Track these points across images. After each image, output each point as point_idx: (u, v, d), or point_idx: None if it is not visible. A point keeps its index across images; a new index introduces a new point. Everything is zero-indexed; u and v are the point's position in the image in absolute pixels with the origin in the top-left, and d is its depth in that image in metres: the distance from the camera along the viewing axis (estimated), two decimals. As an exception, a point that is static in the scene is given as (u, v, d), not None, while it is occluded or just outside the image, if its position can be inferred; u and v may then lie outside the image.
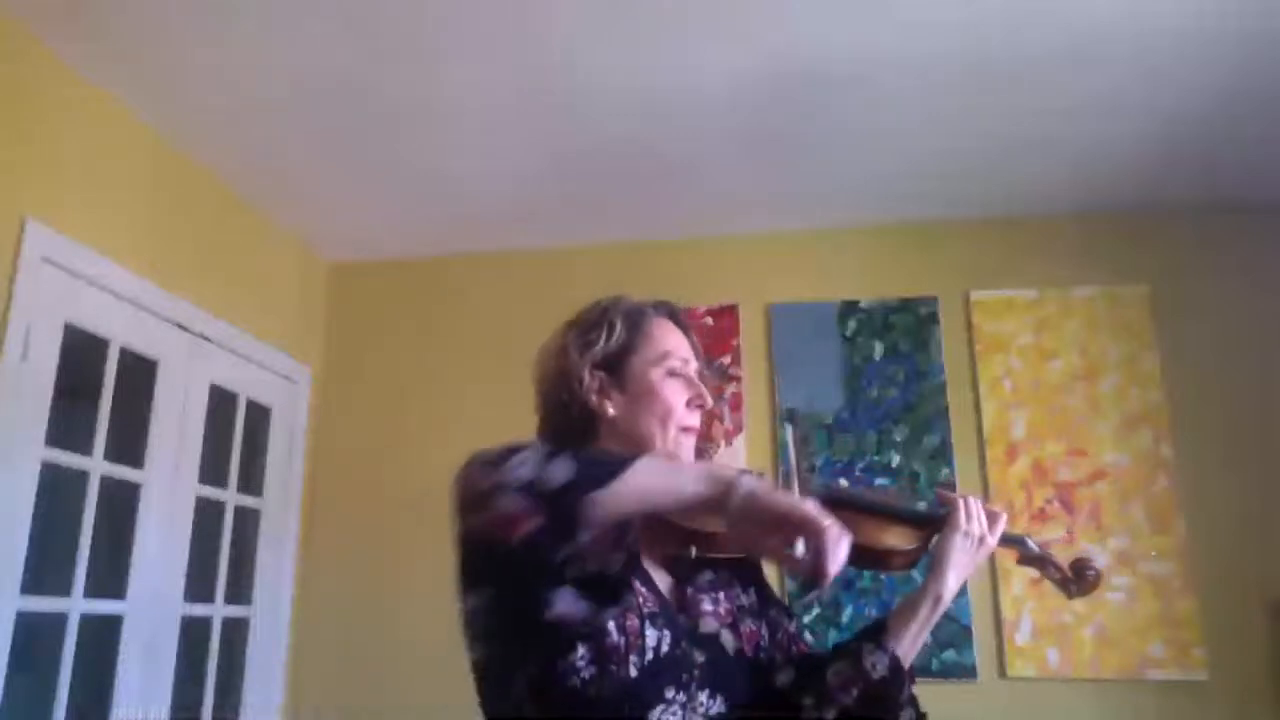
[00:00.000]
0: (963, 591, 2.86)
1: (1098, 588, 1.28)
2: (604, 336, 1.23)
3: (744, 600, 1.21)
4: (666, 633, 1.06)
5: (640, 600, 1.07)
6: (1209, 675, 2.75)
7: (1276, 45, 2.28)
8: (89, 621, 2.33)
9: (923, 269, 3.22)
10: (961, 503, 1.23)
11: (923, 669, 2.85)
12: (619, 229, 3.33)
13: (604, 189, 3.06)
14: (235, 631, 2.98)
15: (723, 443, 3.15)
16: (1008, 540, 1.28)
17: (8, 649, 2.05)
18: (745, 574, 1.25)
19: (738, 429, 3.16)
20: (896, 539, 1.22)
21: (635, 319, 1.26)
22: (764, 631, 1.21)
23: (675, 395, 1.21)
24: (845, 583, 2.93)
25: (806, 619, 2.91)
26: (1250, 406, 2.94)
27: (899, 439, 3.08)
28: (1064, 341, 3.09)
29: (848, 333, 3.20)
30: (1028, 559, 1.32)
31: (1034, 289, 3.15)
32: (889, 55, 2.33)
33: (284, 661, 3.12)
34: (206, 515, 2.82)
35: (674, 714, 1.03)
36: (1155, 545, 2.88)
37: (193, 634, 2.72)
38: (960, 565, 1.21)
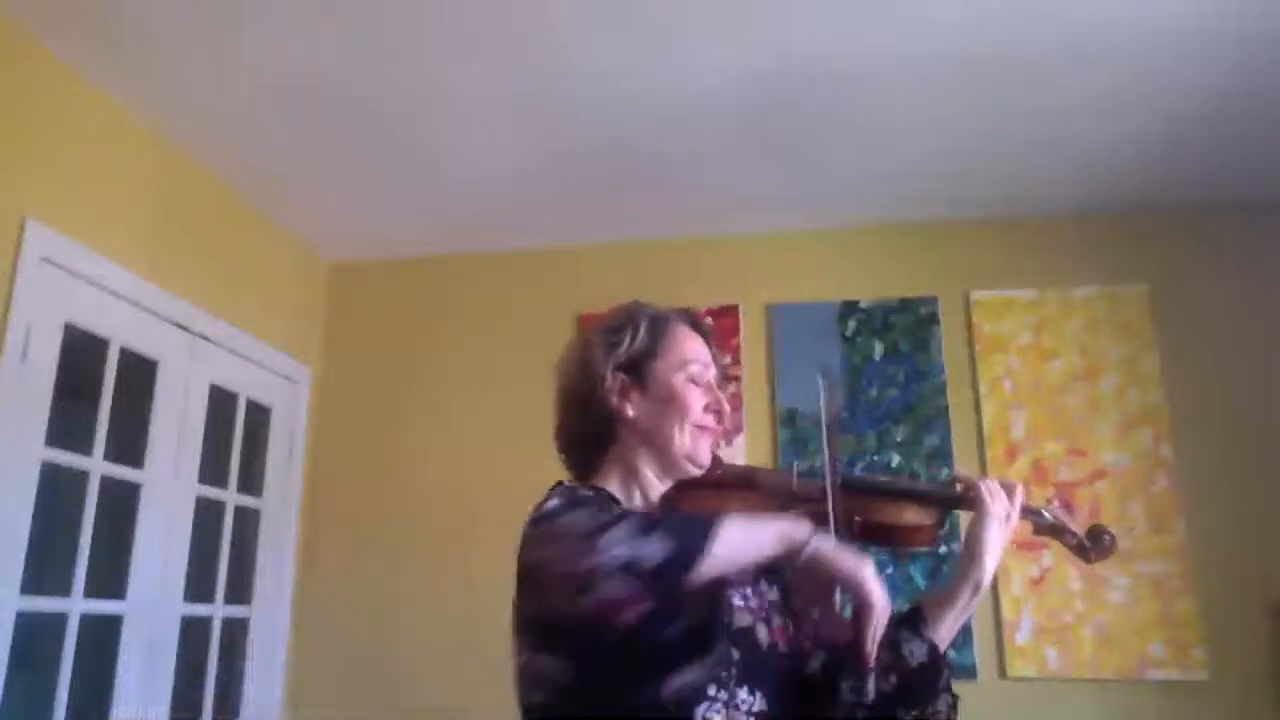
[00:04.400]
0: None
1: (1114, 552, 1.29)
2: (629, 339, 1.26)
3: (772, 595, 1.22)
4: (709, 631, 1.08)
5: None
6: (1209, 675, 2.75)
7: (1276, 45, 2.28)
8: (89, 621, 2.33)
9: (923, 269, 3.22)
10: (984, 486, 1.25)
11: (923, 669, 2.85)
12: (619, 229, 3.33)
13: (604, 189, 3.06)
14: (235, 631, 2.98)
15: (723, 442, 3.15)
16: (1026, 512, 1.30)
17: (8, 649, 2.05)
18: (769, 570, 1.23)
19: (737, 429, 3.16)
20: (917, 516, 1.27)
21: (659, 324, 1.29)
22: (790, 626, 1.22)
23: (694, 399, 1.24)
24: (845, 583, 2.93)
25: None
26: (1250, 406, 2.94)
27: (899, 439, 3.08)
28: (1064, 341, 3.09)
29: (848, 333, 3.20)
30: (1044, 529, 1.32)
31: (1034, 289, 3.15)
32: (889, 55, 2.33)
33: (284, 661, 3.12)
34: (206, 515, 2.82)
35: (717, 712, 1.05)
36: (1155, 545, 2.88)
37: (193, 634, 2.72)
38: (994, 548, 1.22)
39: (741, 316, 3.27)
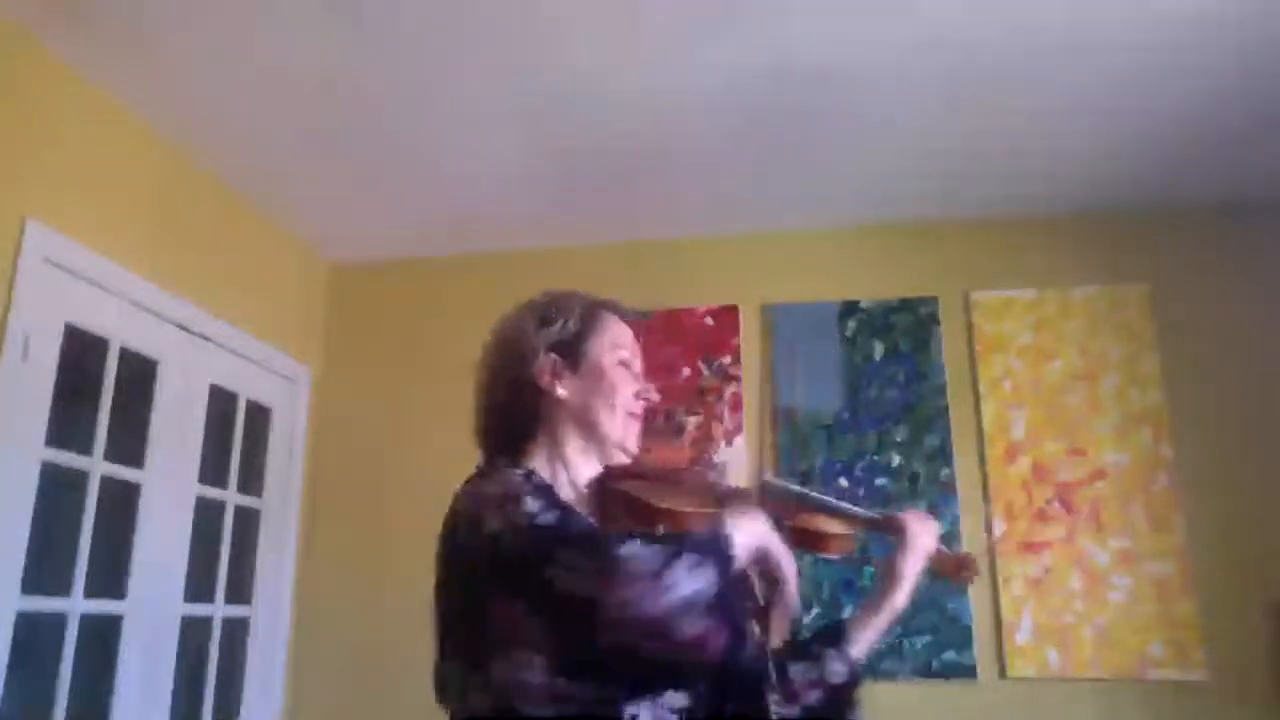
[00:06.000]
0: (963, 591, 2.88)
1: (975, 578, 1.39)
2: (562, 321, 1.28)
3: None
4: None
5: None
6: (1209, 675, 2.75)
7: (1277, 45, 2.29)
8: (89, 621, 2.33)
9: (923, 269, 3.22)
10: (912, 522, 1.32)
11: (923, 669, 2.85)
12: (619, 229, 3.32)
13: (604, 189, 3.06)
14: (235, 631, 2.98)
15: (723, 443, 3.15)
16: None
17: (8, 649, 2.04)
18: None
19: (737, 429, 3.16)
20: (840, 527, 1.31)
21: (591, 309, 1.32)
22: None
23: (624, 383, 1.27)
24: (845, 583, 2.93)
25: (807, 619, 2.91)
26: (1250, 406, 2.94)
27: (899, 439, 3.08)
28: (1064, 341, 3.09)
29: (848, 333, 3.20)
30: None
31: (1034, 289, 3.15)
32: (889, 55, 2.33)
33: (284, 661, 3.12)
34: (206, 515, 2.82)
35: (645, 710, 1.03)
36: (1155, 545, 2.88)
37: (193, 634, 2.72)
38: (914, 578, 1.31)
39: (741, 316, 3.27)
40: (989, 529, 2.96)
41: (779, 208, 3.20)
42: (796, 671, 1.24)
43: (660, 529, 1.19)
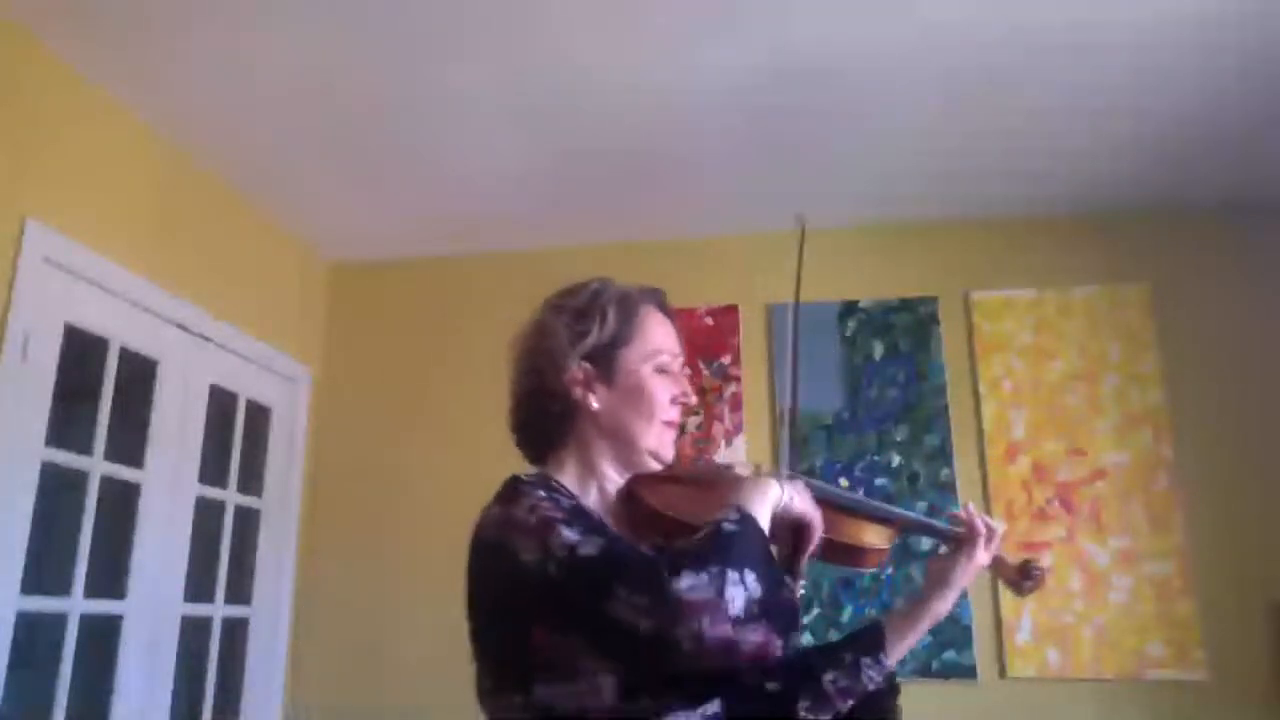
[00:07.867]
0: (963, 592, 2.88)
1: (1044, 585, 1.32)
2: (597, 326, 1.20)
3: None
4: None
5: None
6: (1209, 675, 2.75)
7: (1276, 46, 2.29)
8: (89, 621, 2.33)
9: (923, 269, 3.22)
10: (983, 529, 1.26)
11: (923, 669, 2.85)
12: (619, 229, 3.32)
13: (604, 189, 3.06)
14: (235, 631, 2.98)
15: (723, 442, 3.15)
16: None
17: (8, 649, 2.05)
18: None
19: (737, 429, 3.16)
20: (874, 538, 1.25)
21: (628, 309, 1.24)
22: None
23: (662, 392, 1.20)
24: (845, 583, 2.93)
25: (806, 619, 2.91)
26: (1250, 406, 2.94)
27: (899, 439, 3.08)
28: (1064, 341, 3.09)
29: (848, 333, 3.20)
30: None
31: (1034, 289, 3.15)
32: (889, 55, 2.33)
33: (284, 661, 3.12)
34: (206, 515, 2.82)
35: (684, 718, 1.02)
36: (1155, 545, 2.88)
37: (193, 634, 2.72)
38: (963, 586, 1.27)
39: (741, 316, 3.27)
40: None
41: (779, 208, 3.19)
42: (829, 679, 1.18)
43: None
